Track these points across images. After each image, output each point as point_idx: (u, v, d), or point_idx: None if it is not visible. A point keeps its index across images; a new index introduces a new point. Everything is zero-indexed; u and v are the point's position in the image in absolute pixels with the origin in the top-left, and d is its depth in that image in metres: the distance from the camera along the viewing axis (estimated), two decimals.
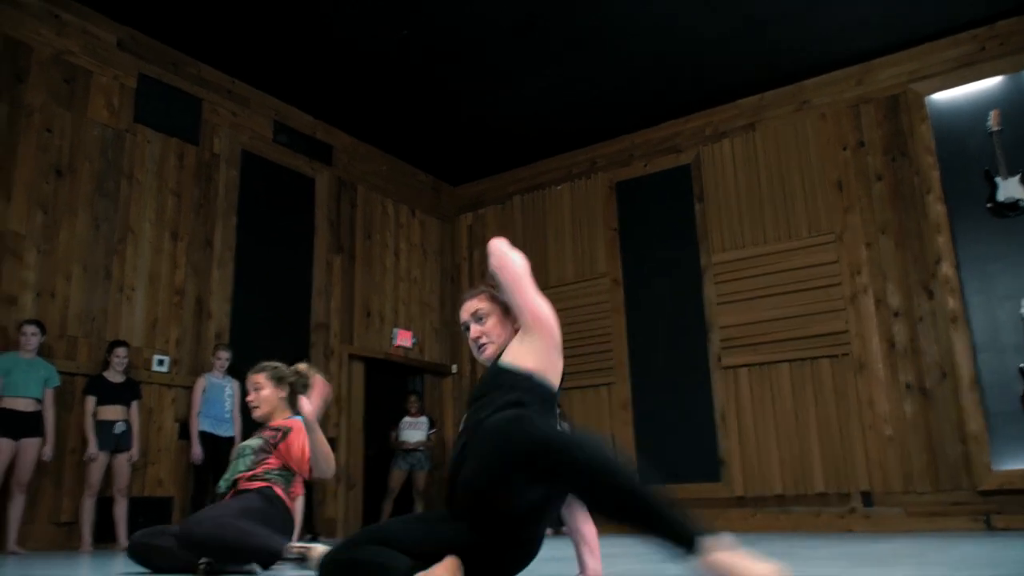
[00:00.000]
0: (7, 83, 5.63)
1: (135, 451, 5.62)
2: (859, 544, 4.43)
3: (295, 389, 3.36)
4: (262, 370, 3.42)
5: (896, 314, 6.63)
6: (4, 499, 5.00)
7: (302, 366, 3.42)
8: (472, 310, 2.30)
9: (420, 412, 7.96)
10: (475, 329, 2.28)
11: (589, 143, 8.61)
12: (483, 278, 9.00)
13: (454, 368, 8.97)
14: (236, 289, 6.85)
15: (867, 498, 6.49)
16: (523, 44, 6.74)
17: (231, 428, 6.14)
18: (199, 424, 5.99)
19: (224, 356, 6.23)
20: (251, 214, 7.12)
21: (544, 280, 8.60)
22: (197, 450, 5.94)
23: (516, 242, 8.59)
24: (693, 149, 7.95)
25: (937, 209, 6.58)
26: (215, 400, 6.09)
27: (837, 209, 7.06)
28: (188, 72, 6.86)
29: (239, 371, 6.38)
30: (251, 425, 6.32)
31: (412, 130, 8.27)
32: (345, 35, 6.56)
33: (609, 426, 7.81)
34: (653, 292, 7.89)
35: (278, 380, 3.39)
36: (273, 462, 3.22)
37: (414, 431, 7.75)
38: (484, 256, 8.92)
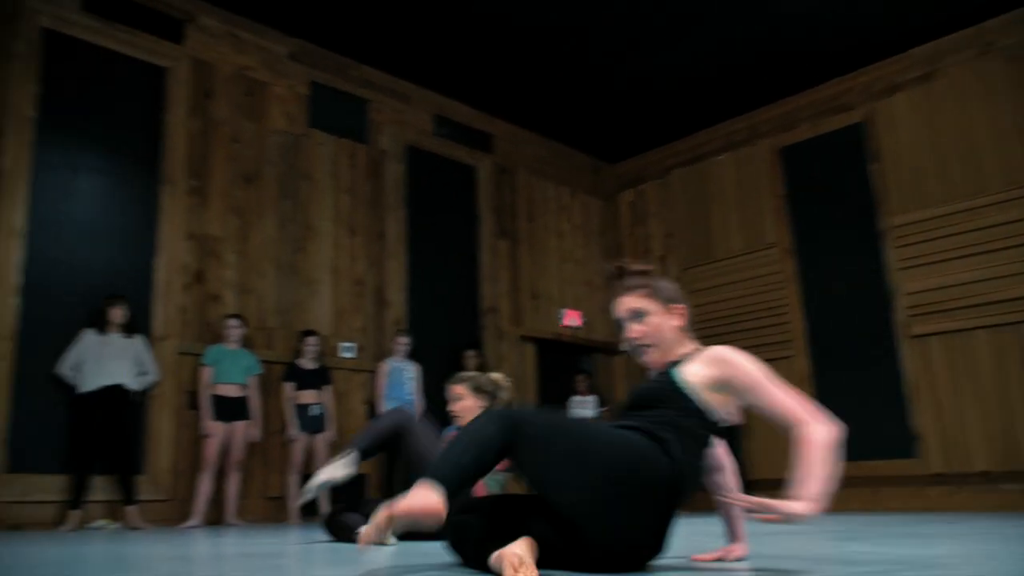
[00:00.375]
0: (198, 101, 6.18)
1: (331, 432, 6.04)
2: None
3: (494, 397, 3.49)
4: (461, 381, 3.54)
5: None
6: (221, 477, 5.54)
7: (497, 376, 3.55)
8: (629, 307, 2.03)
9: (589, 391, 8.03)
10: (634, 329, 2.02)
11: (749, 109, 8.31)
12: (646, 255, 8.95)
13: (623, 346, 8.96)
14: (410, 278, 7.18)
15: None
16: (671, 9, 6.58)
17: (413, 409, 6.46)
18: (384, 406, 6.35)
19: (404, 341, 6.56)
20: (418, 206, 7.44)
21: (711, 253, 8.43)
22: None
23: (679, 216, 8.49)
24: (864, 106, 7.50)
25: None
26: (398, 383, 6.44)
27: None
28: (354, 76, 7.24)
29: (418, 356, 6.73)
30: (431, 407, 6.65)
31: (569, 112, 8.32)
32: (498, 23, 6.69)
33: None
34: (828, 260, 7.53)
35: (477, 390, 3.51)
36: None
37: (583, 409, 7.84)
38: (646, 234, 8.88)
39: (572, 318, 8.45)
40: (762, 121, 8.25)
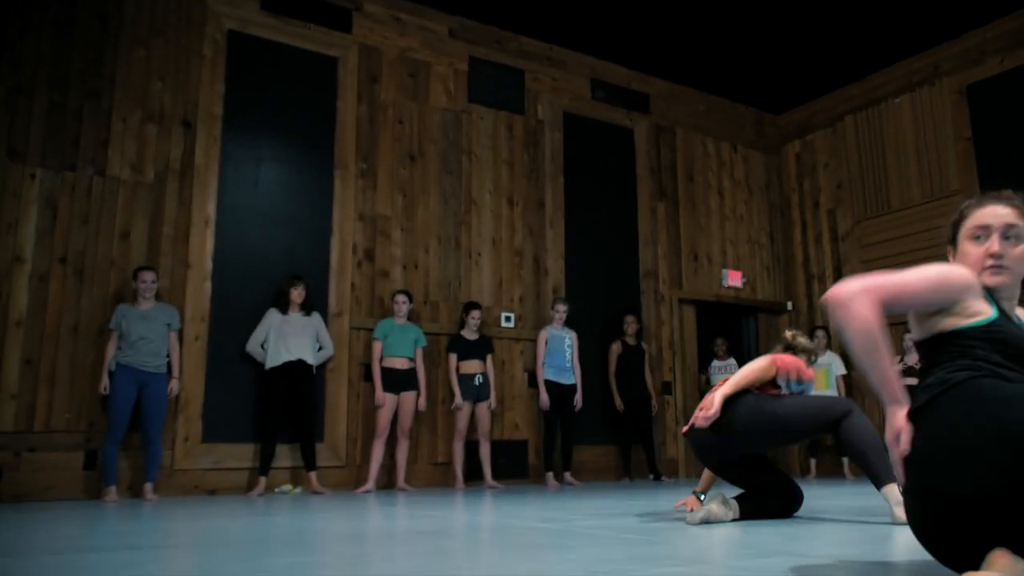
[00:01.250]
0: (366, 86, 6.55)
1: (493, 400, 6.34)
2: None
3: (809, 357, 3.58)
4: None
5: None
6: (392, 445, 5.98)
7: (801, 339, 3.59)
8: (1007, 221, 1.74)
9: (728, 354, 7.89)
10: (1001, 246, 1.74)
11: (929, 46, 7.68)
12: (815, 208, 8.59)
13: (789, 305, 8.70)
14: (568, 245, 7.31)
15: None
16: None
17: (572, 376, 6.64)
18: (544, 374, 6.57)
19: (562, 309, 6.72)
20: (576, 172, 7.52)
21: (887, 204, 7.96)
22: (545, 397, 6.53)
23: (851, 166, 8.04)
24: None
25: None
26: (556, 351, 6.62)
27: None
28: (510, 47, 7.38)
29: (576, 322, 6.89)
30: (589, 373, 6.79)
31: (727, 63, 8.05)
32: None
33: None
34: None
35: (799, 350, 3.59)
36: None
37: (723, 374, 7.71)
38: (815, 187, 8.51)
39: (734, 278, 8.28)
40: (944, 57, 7.62)
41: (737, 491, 3.32)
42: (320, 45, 6.41)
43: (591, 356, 7.14)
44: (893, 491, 3.02)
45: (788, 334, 3.62)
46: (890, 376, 1.59)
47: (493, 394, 6.36)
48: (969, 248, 1.79)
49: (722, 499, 3.11)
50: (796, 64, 8.05)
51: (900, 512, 2.89)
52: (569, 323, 6.79)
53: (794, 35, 7.48)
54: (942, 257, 6.54)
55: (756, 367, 3.31)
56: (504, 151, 7.16)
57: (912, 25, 7.34)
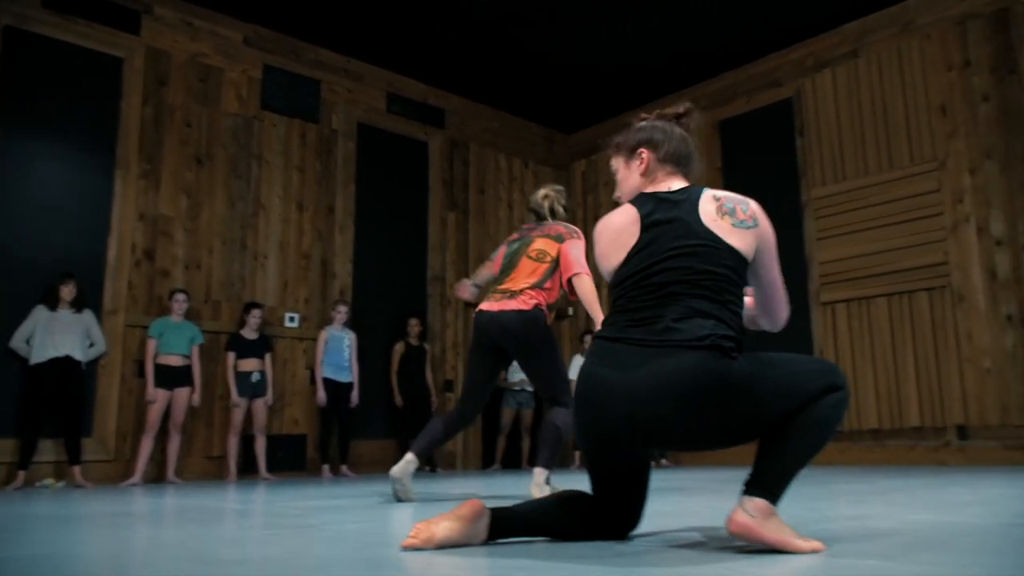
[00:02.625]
0: (152, 88, 6.71)
1: (269, 396, 6.65)
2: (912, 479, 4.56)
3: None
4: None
5: (999, 243, 6.35)
6: (164, 439, 6.19)
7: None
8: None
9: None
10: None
11: (692, 83, 8.64)
12: (595, 223, 9.37)
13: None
14: (357, 250, 7.72)
15: (963, 431, 6.38)
16: None
17: (349, 375, 7.06)
18: (322, 371, 6.95)
19: (342, 310, 7.13)
20: (369, 181, 7.95)
21: None
22: (321, 394, 6.91)
23: None
24: (794, 82, 7.81)
25: None
26: (335, 350, 7.02)
27: (940, 135, 6.76)
28: (307, 57, 7.70)
29: (362, 324, 7.31)
30: (366, 372, 7.22)
31: (522, 85, 8.70)
32: (447, 2, 7.05)
33: None
34: None
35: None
36: None
37: (520, 372, 8.38)
38: (596, 202, 9.30)
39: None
40: (704, 94, 8.58)
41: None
42: (105, 45, 6.51)
43: (376, 355, 7.59)
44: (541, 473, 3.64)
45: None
46: None
47: (271, 391, 6.67)
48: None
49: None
50: (584, 90, 8.81)
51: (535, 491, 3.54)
52: (355, 324, 7.21)
53: (581, 64, 8.20)
54: None
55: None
56: (296, 157, 7.48)
57: (679, 64, 8.23)
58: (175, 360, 6.23)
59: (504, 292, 3.75)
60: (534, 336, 3.63)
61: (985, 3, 6.62)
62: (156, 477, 6.21)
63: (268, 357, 6.71)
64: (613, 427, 1.79)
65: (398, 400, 7.53)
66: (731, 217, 1.91)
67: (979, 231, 6.46)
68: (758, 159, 8.02)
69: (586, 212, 9.60)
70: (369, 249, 7.83)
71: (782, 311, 1.96)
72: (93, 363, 6.06)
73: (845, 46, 7.49)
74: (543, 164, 9.60)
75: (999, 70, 6.49)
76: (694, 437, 1.81)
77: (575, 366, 8.44)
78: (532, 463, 3.89)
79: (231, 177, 7.05)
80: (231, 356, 6.57)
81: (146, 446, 6.03)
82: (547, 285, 3.75)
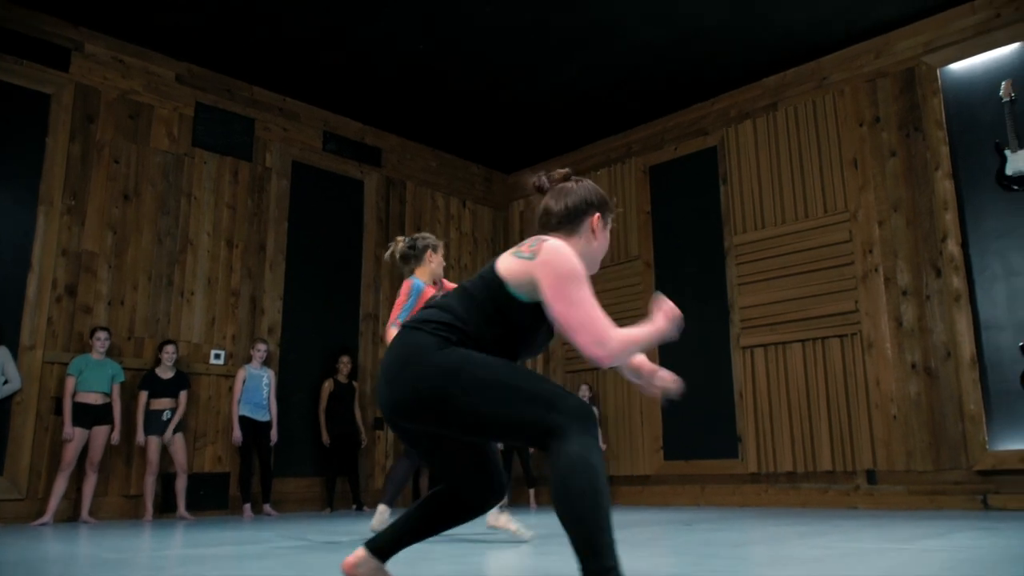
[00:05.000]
0: (80, 125, 6.74)
1: (169, 433, 6.52)
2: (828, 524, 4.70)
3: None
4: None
5: (904, 293, 6.60)
6: (80, 477, 6.15)
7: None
8: None
9: None
10: None
11: (625, 128, 8.87)
12: None
13: None
14: (287, 287, 7.77)
15: (871, 476, 6.57)
16: (555, 36, 7.05)
17: (267, 413, 7.07)
18: (240, 410, 6.95)
19: (262, 349, 7.15)
20: (302, 218, 8.01)
21: None
22: (237, 433, 6.91)
23: None
24: (719, 131, 8.07)
25: (945, 185, 6.45)
26: (254, 388, 7.03)
27: (852, 187, 7.03)
28: (242, 96, 7.79)
29: (288, 361, 7.34)
30: (285, 410, 7.23)
31: (460, 125, 8.85)
32: (384, 44, 7.17)
33: (640, 404, 8.20)
34: (682, 274, 8.14)
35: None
36: None
37: None
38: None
39: None
40: (635, 140, 8.82)
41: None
42: (33, 82, 6.54)
43: (305, 393, 7.62)
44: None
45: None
46: (641, 335, 1.92)
47: (172, 428, 6.50)
48: (606, 235, 2.21)
49: None
50: (523, 132, 8.99)
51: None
52: (283, 361, 7.24)
53: (520, 107, 8.37)
54: (623, 313, 7.57)
55: None
56: (227, 195, 7.53)
57: (613, 109, 8.43)
58: (94, 398, 6.21)
59: None
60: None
61: (894, 62, 6.93)
62: (71, 516, 6.16)
63: (183, 395, 6.68)
64: (380, 404, 2.00)
65: (325, 438, 7.54)
66: (516, 250, 2.04)
67: (886, 281, 6.71)
68: (685, 205, 8.24)
69: None
70: (300, 287, 7.88)
71: (581, 342, 1.85)
72: (7, 400, 6.02)
73: (766, 99, 7.76)
74: (481, 203, 9.75)
75: (906, 127, 6.78)
76: (411, 409, 1.92)
77: None
78: None
79: (159, 214, 7.08)
80: (143, 395, 6.52)
81: (60, 485, 5.98)
82: None
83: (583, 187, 2.19)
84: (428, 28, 6.89)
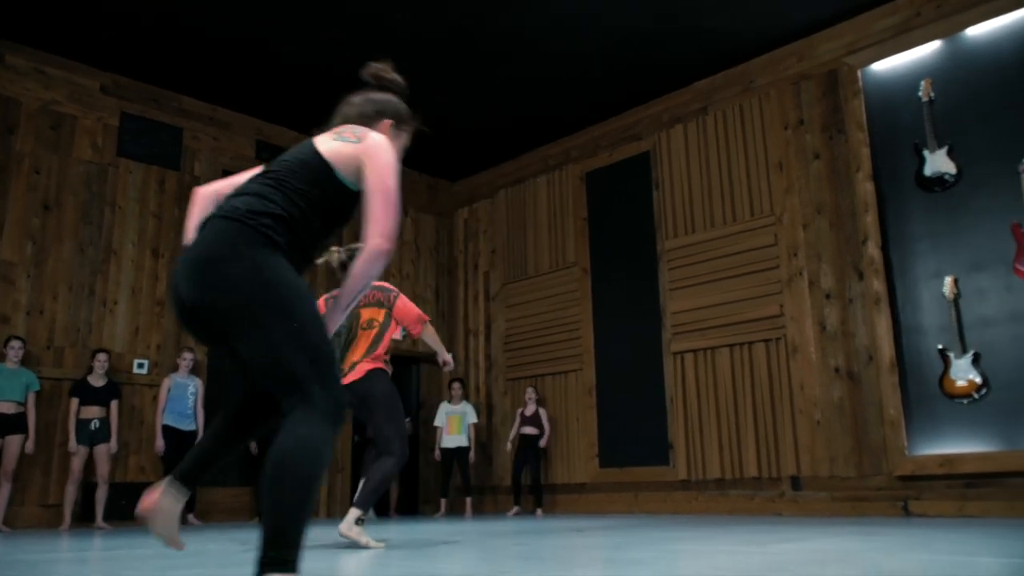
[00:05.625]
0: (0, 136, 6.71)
1: (113, 444, 6.56)
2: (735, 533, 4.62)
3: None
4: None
5: (828, 296, 6.53)
6: None
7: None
8: None
9: (463, 399, 8.59)
10: None
11: (564, 135, 8.84)
12: (475, 270, 9.47)
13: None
14: None
15: (796, 482, 6.49)
16: (487, 46, 7.05)
17: (193, 423, 7.00)
18: (163, 419, 6.88)
19: (188, 357, 7.08)
20: None
21: (525, 270, 8.97)
22: (160, 443, 6.83)
23: (502, 234, 8.87)
24: (652, 136, 8.03)
25: (866, 187, 6.40)
26: (179, 398, 6.95)
27: (778, 190, 6.98)
28: (169, 105, 7.76)
29: (212, 370, 7.27)
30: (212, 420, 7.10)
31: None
32: (315, 54, 7.15)
33: (576, 411, 8.13)
34: (617, 280, 8.08)
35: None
36: None
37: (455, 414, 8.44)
38: (476, 250, 9.38)
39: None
40: (573, 146, 8.78)
41: None
42: None
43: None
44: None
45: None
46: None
47: (114, 438, 6.57)
48: (398, 151, 2.20)
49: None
50: (467, 139, 8.92)
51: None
52: (208, 371, 7.17)
53: (462, 115, 8.31)
54: (560, 319, 7.56)
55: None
56: (153, 204, 7.49)
57: (552, 116, 8.39)
58: (7, 407, 6.15)
59: (349, 368, 4.22)
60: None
61: (817, 64, 6.89)
62: None
63: (114, 404, 6.63)
64: (174, 303, 1.82)
65: (252, 447, 7.47)
66: (335, 135, 2.01)
67: (810, 284, 6.65)
68: (620, 211, 8.19)
69: (467, 259, 9.70)
70: None
71: (380, 230, 1.85)
72: None
73: (696, 103, 7.73)
74: (425, 212, 9.71)
75: (829, 128, 6.74)
76: (211, 312, 1.75)
77: (441, 412, 8.47)
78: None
79: (81, 223, 7.04)
80: (74, 402, 6.48)
81: None
82: (379, 352, 4.29)
83: (388, 98, 2.30)
84: (353, 37, 6.85)
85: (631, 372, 7.77)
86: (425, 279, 9.55)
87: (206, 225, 1.84)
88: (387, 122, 2.21)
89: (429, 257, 9.64)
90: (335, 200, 1.93)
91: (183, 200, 7.69)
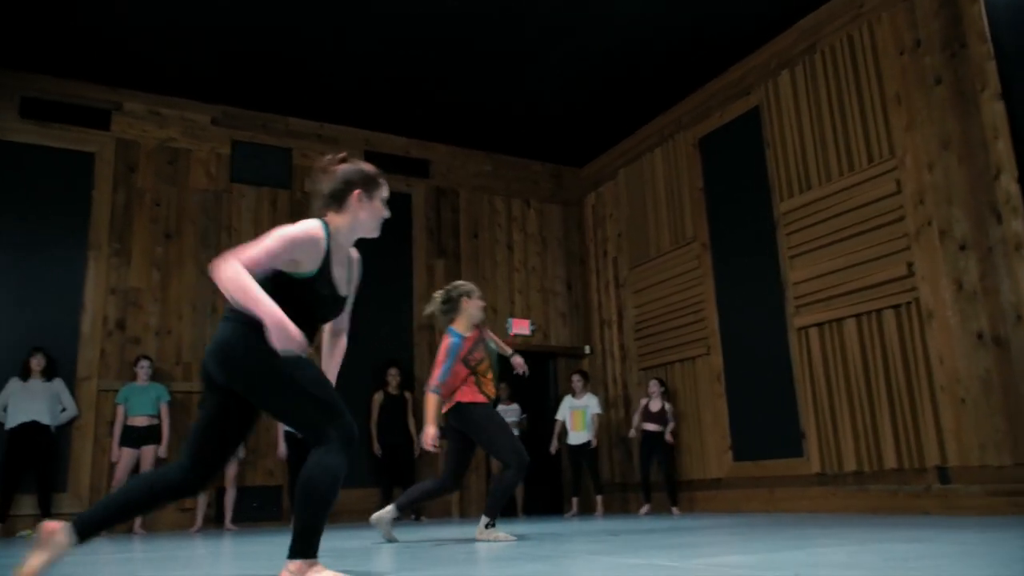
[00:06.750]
0: (123, 176, 7.41)
1: (240, 450, 6.99)
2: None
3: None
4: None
5: (963, 247, 5.37)
6: None
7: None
8: None
9: (511, 400, 8.31)
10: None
11: (675, 101, 8.13)
12: (604, 257, 9.02)
13: (587, 349, 9.12)
14: None
15: (943, 474, 5.39)
16: (580, 9, 6.65)
17: None
18: (282, 426, 7.20)
19: None
20: None
21: (646, 252, 8.39)
22: (282, 448, 7.16)
23: (624, 216, 8.31)
24: (760, 88, 7.14)
25: (994, 108, 5.19)
26: None
27: (897, 128, 5.88)
28: (277, 128, 8.16)
29: (342, 373, 7.50)
30: (355, 420, 7.32)
31: (516, 124, 8.58)
32: (422, 60, 7.20)
33: (707, 400, 7.42)
34: (736, 252, 7.28)
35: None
36: None
37: (509, 418, 8.16)
38: (604, 236, 8.92)
39: (521, 326, 8.77)
40: (684, 112, 8.06)
41: None
42: (78, 143, 7.30)
43: (358, 405, 7.74)
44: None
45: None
46: (257, 298, 2.12)
47: (241, 445, 6.98)
48: (381, 207, 2.58)
49: None
50: (582, 118, 8.48)
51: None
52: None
53: (576, 95, 7.96)
54: (682, 302, 7.15)
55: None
56: (266, 224, 7.88)
57: (662, 82, 7.72)
58: (141, 420, 6.74)
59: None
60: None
61: None
62: (127, 528, 6.72)
63: None
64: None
65: (376, 448, 7.61)
66: None
67: (942, 235, 5.51)
68: (735, 175, 7.37)
69: (596, 246, 9.25)
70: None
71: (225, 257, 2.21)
72: (67, 425, 6.73)
73: (802, 42, 6.75)
74: (549, 201, 9.40)
75: (950, 45, 5.56)
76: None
77: (564, 406, 8.14)
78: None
79: (200, 247, 7.58)
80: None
81: None
82: (455, 382, 4.53)
83: (344, 170, 2.53)
84: (445, 40, 6.78)
85: (756, 353, 6.95)
86: (553, 271, 9.23)
87: None
88: (356, 193, 2.49)
89: (557, 248, 9.32)
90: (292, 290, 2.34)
91: (295, 217, 7.92)
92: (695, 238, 7.73)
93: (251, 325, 2.18)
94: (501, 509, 4.42)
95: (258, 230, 7.69)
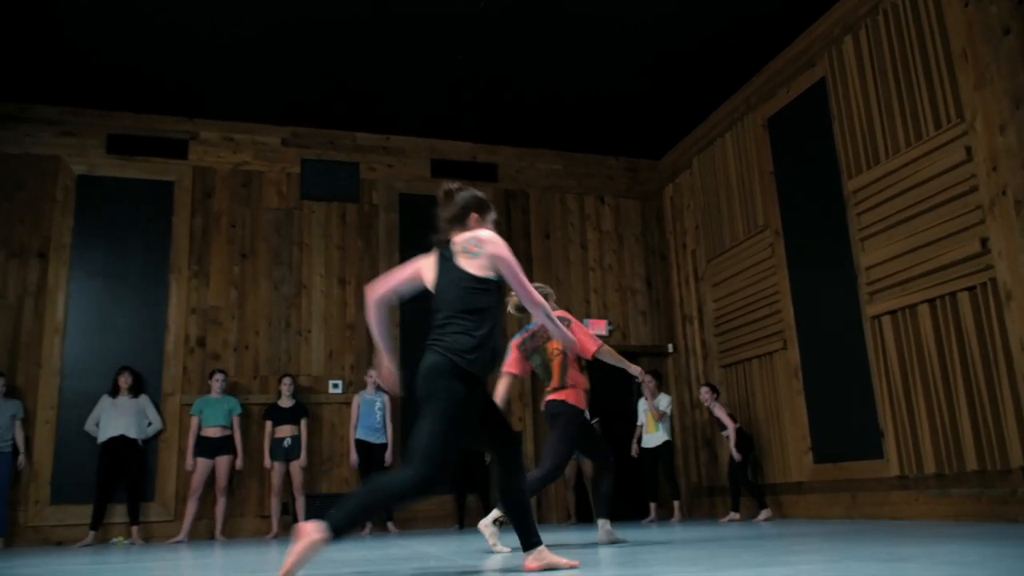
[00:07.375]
0: (200, 201, 7.84)
1: (303, 459, 7.20)
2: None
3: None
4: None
5: None
6: (213, 502, 7.05)
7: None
8: None
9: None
10: None
11: (742, 81, 7.64)
12: (683, 250, 8.64)
13: (670, 347, 8.73)
14: (403, 313, 8.03)
15: None
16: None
17: (383, 436, 7.36)
18: (356, 434, 7.34)
19: (373, 375, 7.47)
20: (414, 247, 8.17)
21: (721, 243, 7.95)
22: (353, 456, 7.31)
23: (699, 206, 7.99)
24: (824, 58, 6.58)
25: None
26: (367, 413, 7.38)
27: (965, 88, 5.24)
28: (344, 144, 8.36)
29: (406, 384, 7.60)
30: (403, 433, 7.42)
31: (586, 120, 8.37)
32: (484, 64, 7.22)
33: (785, 397, 6.91)
34: (810, 238, 6.74)
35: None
36: None
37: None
38: (683, 228, 8.51)
39: (597, 327, 8.52)
40: (752, 92, 7.57)
41: None
42: (158, 173, 7.79)
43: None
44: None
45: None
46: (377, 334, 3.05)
47: (304, 454, 7.21)
48: (487, 225, 3.05)
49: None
50: (659, 109, 8.14)
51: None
52: (404, 385, 7.52)
53: (639, 82, 7.65)
54: (756, 294, 6.93)
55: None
56: (336, 237, 8.11)
57: (730, 59, 7.25)
58: (215, 432, 7.10)
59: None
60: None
61: None
62: (209, 535, 7.09)
63: (303, 422, 7.29)
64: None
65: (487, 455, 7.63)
66: (467, 252, 2.87)
67: (1018, 204, 4.85)
68: (803, 155, 6.83)
69: (676, 240, 8.86)
70: (416, 312, 8.09)
71: (534, 309, 3.01)
72: (154, 439, 7.18)
73: (864, 4, 6.14)
74: (627, 196, 9.09)
75: None
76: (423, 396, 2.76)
77: (640, 409, 7.85)
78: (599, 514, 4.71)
79: (274, 264, 7.88)
80: (268, 424, 7.28)
81: (190, 508, 6.95)
82: (566, 380, 4.65)
83: (462, 196, 3.04)
84: (510, 43, 6.74)
85: (831, 346, 6.40)
86: (632, 267, 8.92)
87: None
88: (474, 216, 3.00)
89: (635, 243, 9.00)
90: (497, 296, 2.85)
91: (364, 229, 8.22)
92: (767, 225, 7.23)
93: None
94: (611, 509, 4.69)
95: (328, 244, 7.94)
